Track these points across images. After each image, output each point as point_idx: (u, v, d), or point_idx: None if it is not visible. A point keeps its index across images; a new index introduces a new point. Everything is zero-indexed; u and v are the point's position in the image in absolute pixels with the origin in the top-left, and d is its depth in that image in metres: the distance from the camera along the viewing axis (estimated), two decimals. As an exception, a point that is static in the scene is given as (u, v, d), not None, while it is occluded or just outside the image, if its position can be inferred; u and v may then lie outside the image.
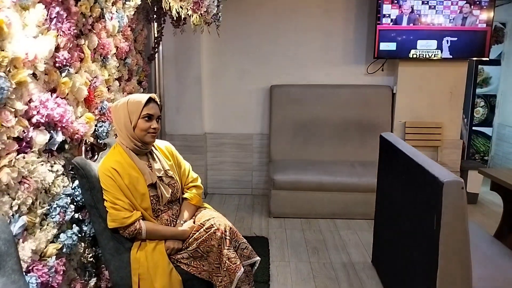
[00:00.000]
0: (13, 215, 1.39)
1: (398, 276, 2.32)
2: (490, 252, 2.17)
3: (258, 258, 1.93)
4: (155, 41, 3.18)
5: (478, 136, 4.95)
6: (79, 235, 1.81)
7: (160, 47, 3.60)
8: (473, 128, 4.88)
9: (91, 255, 1.95)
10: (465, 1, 3.67)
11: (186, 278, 1.82)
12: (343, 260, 2.96)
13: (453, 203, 1.63)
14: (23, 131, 1.41)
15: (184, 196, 2.01)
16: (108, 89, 2.18)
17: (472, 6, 3.68)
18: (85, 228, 1.90)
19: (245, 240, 1.93)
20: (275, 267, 2.83)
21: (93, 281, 1.96)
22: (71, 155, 1.78)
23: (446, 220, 1.64)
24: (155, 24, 3.18)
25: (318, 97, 4.04)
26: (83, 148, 1.83)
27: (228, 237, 1.82)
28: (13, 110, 1.34)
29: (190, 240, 1.84)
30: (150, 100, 1.82)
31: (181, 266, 1.83)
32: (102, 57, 2.08)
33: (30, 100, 1.46)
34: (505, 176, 2.61)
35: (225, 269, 1.78)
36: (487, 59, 3.84)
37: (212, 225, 1.83)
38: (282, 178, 3.60)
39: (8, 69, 1.32)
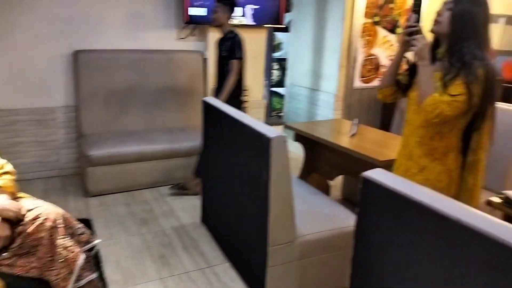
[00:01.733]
0: None
1: (230, 228, 2.52)
2: (301, 191, 2.58)
3: (98, 240, 1.80)
4: None
5: (274, 95, 5.64)
6: None
7: None
8: (271, 89, 5.52)
9: None
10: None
11: (11, 281, 1.55)
12: (174, 224, 3.02)
13: (279, 155, 1.85)
14: None
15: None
16: None
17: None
18: None
19: (81, 224, 1.75)
20: (104, 247, 2.67)
21: None
22: None
23: (275, 170, 1.86)
24: None
25: (130, 63, 3.83)
26: None
27: (61, 225, 1.62)
28: None
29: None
30: None
31: (2, 269, 1.54)
32: None
33: None
34: (306, 128, 3.11)
35: (62, 260, 1.59)
36: (283, 26, 4.35)
37: (38, 215, 1.58)
38: (98, 153, 3.34)
39: None
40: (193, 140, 3.61)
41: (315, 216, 2.29)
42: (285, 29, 5.43)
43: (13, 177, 1.74)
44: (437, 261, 1.08)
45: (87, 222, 2.95)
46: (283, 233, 2.02)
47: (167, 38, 4.03)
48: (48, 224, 1.57)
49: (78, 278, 1.65)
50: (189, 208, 3.27)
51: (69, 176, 3.86)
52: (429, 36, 1.63)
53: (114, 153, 3.40)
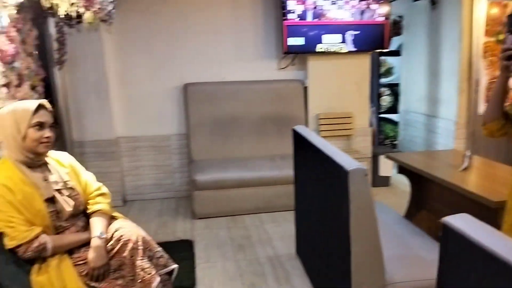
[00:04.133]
0: None
1: (319, 264, 2.38)
2: (400, 231, 2.30)
3: (175, 265, 1.85)
4: (58, 42, 2.91)
5: (386, 122, 5.30)
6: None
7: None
8: (382, 115, 5.21)
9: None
10: (362, -4, 3.88)
11: (98, 297, 1.68)
12: (269, 254, 2.98)
13: (358, 189, 1.69)
14: None
15: (92, 207, 1.84)
16: (-6, 97, 1.94)
17: (368, 1, 3.90)
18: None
19: (160, 248, 1.84)
20: (201, 269, 2.76)
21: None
22: None
23: (354, 206, 1.70)
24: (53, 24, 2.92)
25: (233, 93, 4.03)
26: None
27: (140, 247, 1.71)
28: None
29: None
30: (40, 106, 1.65)
31: (92, 284, 1.69)
32: (-18, 62, 1.84)
33: None
34: (410, 160, 2.75)
35: (139, 280, 1.67)
36: (387, 50, 4.11)
37: (121, 236, 1.71)
38: (203, 178, 3.53)
39: None
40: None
41: (413, 261, 2.01)
42: (396, 53, 5.12)
43: (108, 199, 1.91)
44: None
45: (189, 243, 3.12)
46: (368, 277, 1.82)
47: (267, 68, 4.14)
48: (130, 245, 1.69)
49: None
50: (287, 238, 3.20)
51: (182, 198, 4.16)
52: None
53: (218, 178, 3.55)
